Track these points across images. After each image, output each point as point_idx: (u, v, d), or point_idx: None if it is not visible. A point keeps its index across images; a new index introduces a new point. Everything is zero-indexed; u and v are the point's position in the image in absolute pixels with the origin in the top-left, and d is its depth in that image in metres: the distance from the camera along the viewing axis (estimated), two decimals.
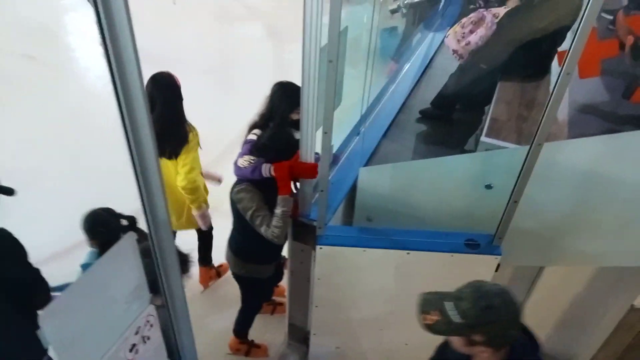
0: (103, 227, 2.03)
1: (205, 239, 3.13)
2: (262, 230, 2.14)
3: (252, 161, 2.18)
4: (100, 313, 1.11)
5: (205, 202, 2.82)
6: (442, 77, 3.28)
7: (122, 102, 1.06)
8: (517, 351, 1.35)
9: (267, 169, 2.13)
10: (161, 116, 2.48)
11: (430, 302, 1.33)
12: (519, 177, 1.88)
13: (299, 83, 1.88)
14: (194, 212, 2.77)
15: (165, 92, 2.51)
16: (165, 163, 2.60)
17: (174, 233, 2.94)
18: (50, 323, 0.98)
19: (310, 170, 2.03)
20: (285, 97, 2.38)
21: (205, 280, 3.31)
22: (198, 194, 2.71)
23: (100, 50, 1.00)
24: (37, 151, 4.26)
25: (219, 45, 6.34)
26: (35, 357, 1.68)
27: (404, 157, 2.84)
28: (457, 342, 1.32)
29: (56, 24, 7.00)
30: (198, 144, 2.68)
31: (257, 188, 2.18)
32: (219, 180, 3.08)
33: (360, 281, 2.19)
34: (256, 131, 2.44)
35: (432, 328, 1.30)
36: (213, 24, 7.05)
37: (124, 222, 2.06)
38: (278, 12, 7.03)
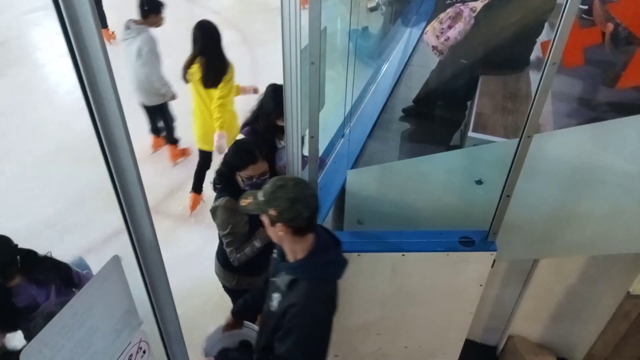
0: None
1: (206, 164, 3.83)
2: (228, 252, 2.14)
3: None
4: (87, 344, 1.02)
5: (223, 127, 3.37)
6: (422, 74, 3.26)
7: (97, 117, 0.98)
8: (320, 246, 1.66)
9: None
10: (207, 52, 3.17)
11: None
12: (510, 170, 1.85)
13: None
14: (215, 132, 3.34)
15: (209, 34, 3.17)
16: (208, 93, 3.27)
17: (210, 154, 3.73)
18: None
19: None
20: (273, 100, 2.36)
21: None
22: (222, 115, 3.31)
23: (69, 63, 0.92)
24: (5, 169, 4.12)
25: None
26: None
27: (391, 157, 2.80)
28: (264, 223, 1.63)
29: (22, 40, 6.80)
30: (233, 77, 3.32)
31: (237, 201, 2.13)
32: (254, 91, 3.56)
33: (356, 286, 2.13)
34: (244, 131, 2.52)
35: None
36: (183, 30, 6.94)
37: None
38: (246, 17, 6.99)
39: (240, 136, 2.54)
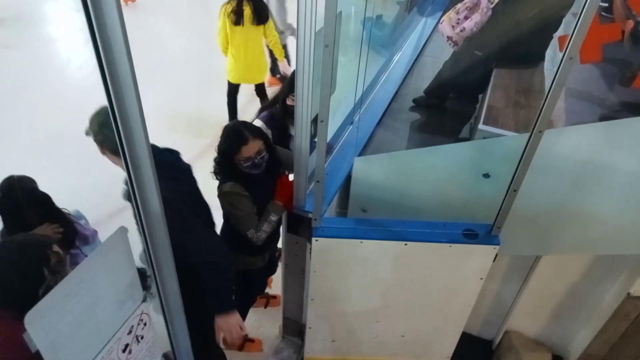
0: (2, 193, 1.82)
1: (233, 92, 4.46)
2: (249, 234, 2.14)
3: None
4: (90, 313, 1.04)
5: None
6: (435, 64, 3.23)
7: (111, 91, 0.98)
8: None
9: None
10: None
11: None
12: (518, 165, 1.84)
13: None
14: (280, 63, 4.45)
15: None
16: (255, 31, 3.98)
17: (238, 86, 4.38)
18: (36, 325, 0.92)
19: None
20: (289, 81, 2.37)
21: None
22: (281, 48, 4.27)
23: (81, 39, 0.92)
24: (14, 144, 4.14)
25: (200, 34, 6.25)
26: None
27: (399, 147, 2.79)
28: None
29: (35, 14, 6.78)
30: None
31: (244, 186, 2.11)
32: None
33: (357, 273, 2.14)
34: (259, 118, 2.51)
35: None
36: (196, 12, 6.92)
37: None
38: None
39: (258, 121, 2.50)
